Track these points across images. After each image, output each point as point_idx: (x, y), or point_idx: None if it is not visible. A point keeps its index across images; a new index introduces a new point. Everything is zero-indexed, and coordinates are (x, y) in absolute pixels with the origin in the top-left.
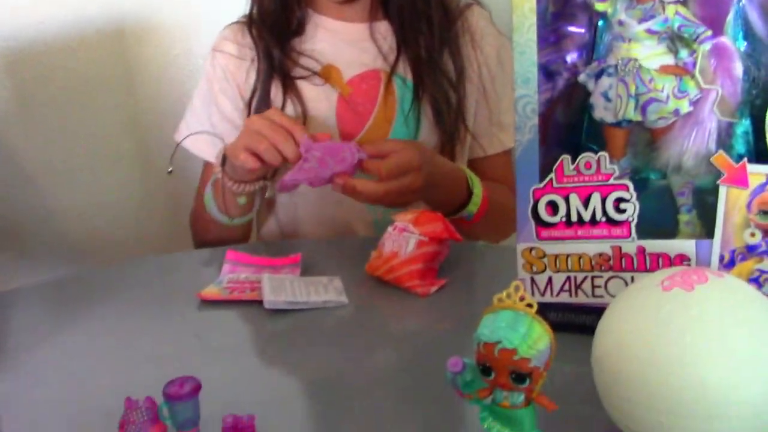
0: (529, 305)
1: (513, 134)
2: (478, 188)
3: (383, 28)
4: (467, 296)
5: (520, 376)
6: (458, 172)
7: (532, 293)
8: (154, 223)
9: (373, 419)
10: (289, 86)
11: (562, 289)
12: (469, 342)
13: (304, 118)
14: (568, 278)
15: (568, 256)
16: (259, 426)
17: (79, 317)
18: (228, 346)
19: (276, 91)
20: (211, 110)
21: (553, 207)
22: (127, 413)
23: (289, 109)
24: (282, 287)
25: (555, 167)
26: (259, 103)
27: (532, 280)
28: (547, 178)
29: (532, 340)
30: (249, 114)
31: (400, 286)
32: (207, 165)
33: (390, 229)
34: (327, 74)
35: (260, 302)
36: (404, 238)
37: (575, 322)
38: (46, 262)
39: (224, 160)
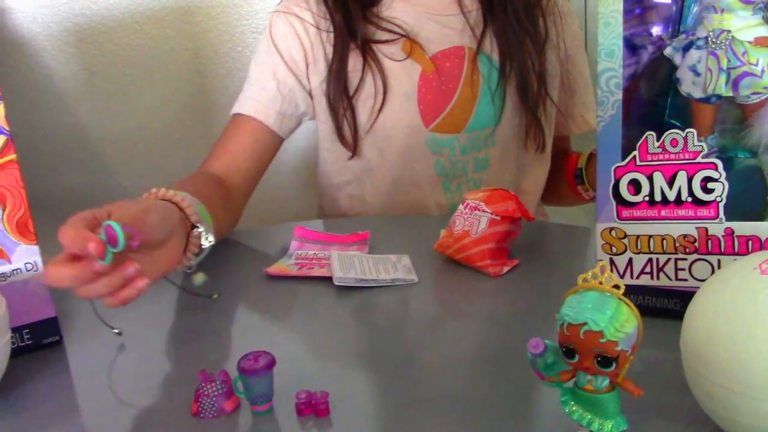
0: (616, 286)
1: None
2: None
3: (468, 1)
4: (540, 277)
5: (605, 360)
6: None
7: None
8: None
9: (445, 399)
10: (369, 59)
11: (643, 272)
12: (542, 323)
13: (384, 93)
14: (650, 260)
15: (650, 237)
16: (332, 403)
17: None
18: (298, 323)
19: (354, 64)
20: (269, 75)
21: (635, 186)
22: (202, 386)
23: (368, 83)
24: (351, 264)
25: (638, 144)
26: (336, 76)
27: (612, 262)
28: (630, 156)
29: (619, 322)
30: (328, 85)
31: (471, 265)
32: (237, 120)
33: (461, 207)
34: (408, 49)
35: (329, 279)
36: (476, 216)
37: (656, 306)
38: None
39: None
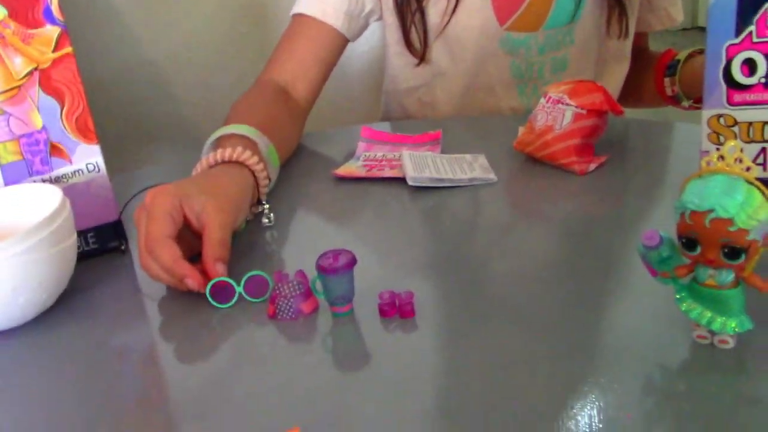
0: (748, 169)
1: (680, 8)
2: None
3: None
4: (629, 175)
5: (733, 251)
6: None
7: None
8: None
9: (528, 303)
10: None
11: (755, 163)
12: (633, 224)
13: None
14: (764, 149)
15: (765, 123)
16: (416, 304)
17: None
18: (370, 225)
19: None
20: None
21: (750, 66)
22: (278, 286)
23: None
24: (424, 164)
25: (756, 18)
26: None
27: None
28: (746, 31)
29: (751, 208)
30: None
31: (554, 163)
32: (300, 20)
33: (543, 100)
34: None
35: (401, 180)
36: (559, 110)
37: None
38: (168, 146)
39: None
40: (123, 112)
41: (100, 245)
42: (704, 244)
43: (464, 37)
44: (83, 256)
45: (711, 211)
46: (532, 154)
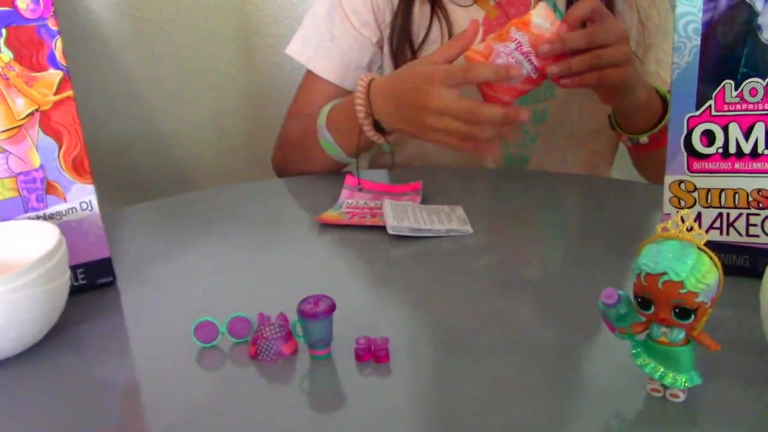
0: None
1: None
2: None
3: None
4: (599, 232)
5: (684, 312)
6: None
7: None
8: (263, 150)
9: (505, 349)
10: (436, 6)
11: (712, 227)
12: (599, 280)
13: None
14: (720, 215)
15: (722, 191)
16: (391, 349)
17: (200, 235)
18: (351, 271)
19: (421, 12)
20: (334, 22)
21: (708, 137)
22: (260, 328)
23: (435, 30)
24: (404, 214)
25: (715, 94)
26: (402, 23)
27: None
28: (705, 106)
29: (700, 273)
30: (392, 36)
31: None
32: (312, 76)
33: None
34: None
35: (381, 228)
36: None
37: (725, 263)
38: (153, 182)
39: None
40: (107, 144)
41: (90, 281)
42: (657, 304)
43: None
44: (72, 291)
45: (664, 273)
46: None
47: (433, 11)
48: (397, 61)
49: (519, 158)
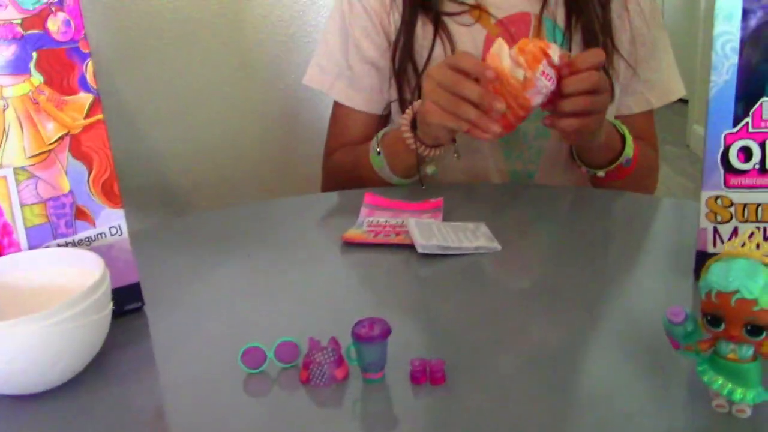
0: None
1: (660, 93)
2: (628, 135)
3: None
4: (626, 246)
5: (756, 329)
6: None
7: (714, 244)
8: (261, 168)
9: (557, 368)
10: (439, 25)
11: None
12: (638, 293)
13: None
14: (756, 229)
15: (758, 205)
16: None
17: (221, 255)
18: (385, 291)
19: (423, 32)
20: (349, 51)
21: (746, 153)
22: (311, 353)
23: (438, 49)
24: (431, 232)
25: (752, 111)
26: (404, 43)
27: (715, 230)
28: (742, 123)
29: None
30: (394, 55)
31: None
32: (340, 106)
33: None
34: (477, 15)
35: (405, 246)
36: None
37: None
38: (145, 206)
39: (413, 123)
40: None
41: (119, 307)
42: (729, 322)
43: None
44: None
45: (736, 291)
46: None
47: (435, 31)
48: (399, 80)
49: (524, 174)
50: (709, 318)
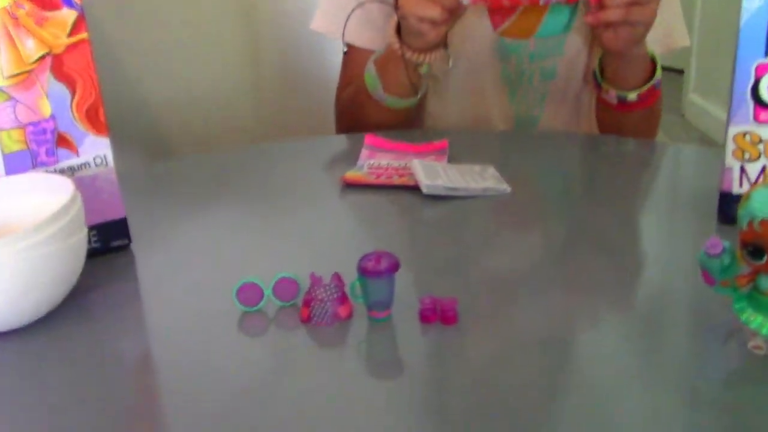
0: None
1: (664, 38)
2: (657, 56)
3: None
4: (641, 189)
5: None
6: None
7: (740, 183)
8: (259, 111)
9: (572, 314)
10: None
11: None
12: (659, 235)
13: None
14: None
15: None
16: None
17: (218, 197)
18: (387, 232)
19: None
20: None
21: None
22: (312, 289)
23: None
24: (436, 173)
25: None
26: None
27: (742, 169)
28: None
29: None
30: None
31: None
32: (352, 48)
33: None
34: None
35: (410, 188)
36: None
37: None
38: (138, 151)
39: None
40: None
41: (104, 243)
42: None
43: (460, 42)
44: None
45: None
46: None
47: None
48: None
49: (528, 118)
50: (750, 249)
